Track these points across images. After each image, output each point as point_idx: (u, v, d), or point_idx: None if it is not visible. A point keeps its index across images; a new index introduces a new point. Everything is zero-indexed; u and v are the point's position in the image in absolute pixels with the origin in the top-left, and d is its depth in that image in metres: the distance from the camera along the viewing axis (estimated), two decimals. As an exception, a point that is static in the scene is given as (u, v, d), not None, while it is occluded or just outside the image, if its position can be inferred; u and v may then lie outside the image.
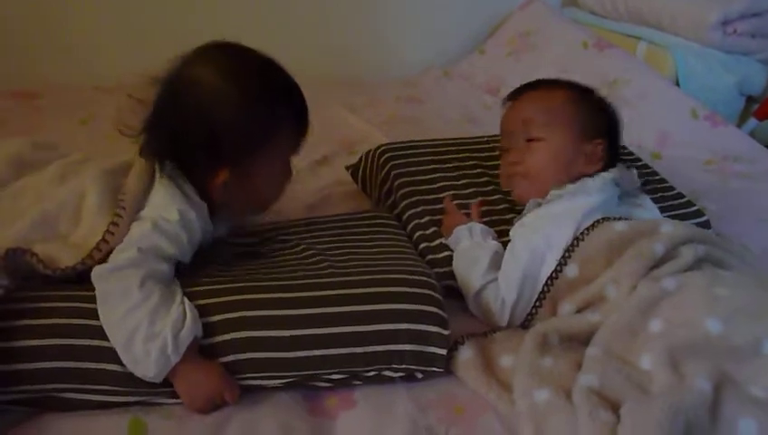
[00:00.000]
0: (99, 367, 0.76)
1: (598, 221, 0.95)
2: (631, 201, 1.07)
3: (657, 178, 1.27)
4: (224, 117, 0.85)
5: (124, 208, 0.84)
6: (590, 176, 1.02)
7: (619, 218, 0.95)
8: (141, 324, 0.75)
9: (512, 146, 1.08)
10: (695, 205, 1.20)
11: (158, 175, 0.87)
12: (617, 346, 0.81)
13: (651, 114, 1.67)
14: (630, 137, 1.51)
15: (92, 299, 0.78)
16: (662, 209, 1.12)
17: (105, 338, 0.76)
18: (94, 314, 0.77)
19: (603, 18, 2.13)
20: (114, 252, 0.81)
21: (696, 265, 0.88)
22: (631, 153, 1.35)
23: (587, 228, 0.94)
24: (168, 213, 0.84)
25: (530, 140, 1.05)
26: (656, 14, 1.93)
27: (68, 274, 0.81)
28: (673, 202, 1.19)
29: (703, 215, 1.18)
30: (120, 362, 0.76)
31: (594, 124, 1.07)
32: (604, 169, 1.04)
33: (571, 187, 1.01)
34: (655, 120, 1.66)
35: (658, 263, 0.87)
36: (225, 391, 0.77)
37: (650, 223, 0.94)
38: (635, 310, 0.83)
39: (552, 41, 2.01)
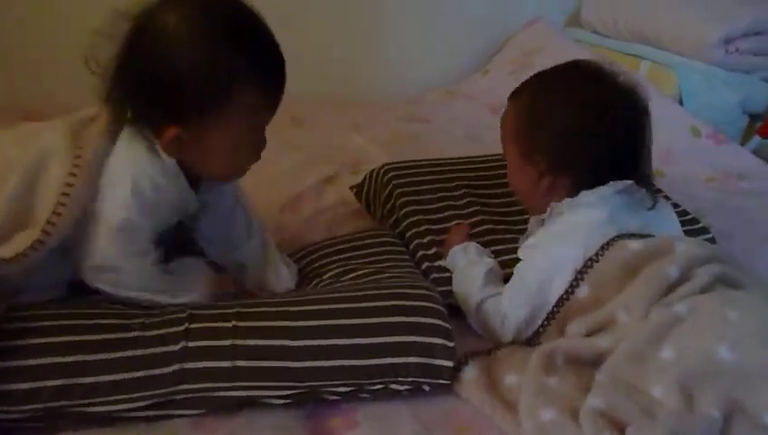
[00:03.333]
0: (102, 380, 0.76)
1: (612, 240, 0.91)
2: (655, 211, 0.97)
3: (661, 194, 1.26)
4: (176, 64, 0.77)
5: (75, 175, 0.80)
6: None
7: (634, 235, 0.92)
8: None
9: None
10: (699, 222, 1.20)
11: (121, 128, 0.83)
12: (627, 373, 0.79)
13: (654, 132, 1.67)
14: (633, 155, 1.53)
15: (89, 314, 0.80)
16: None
17: (106, 352, 0.78)
18: (92, 330, 0.79)
19: (606, 37, 2.14)
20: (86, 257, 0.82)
21: (711, 286, 0.85)
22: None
23: (601, 248, 0.90)
24: (121, 182, 0.81)
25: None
26: (658, 34, 1.94)
27: (28, 262, 0.79)
28: (681, 218, 1.18)
29: (708, 232, 1.18)
30: (123, 372, 0.77)
31: (547, 152, 0.94)
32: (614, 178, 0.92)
33: (568, 201, 0.93)
34: (657, 138, 1.64)
35: (673, 287, 0.85)
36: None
37: (666, 241, 0.90)
38: (646, 337, 0.81)
39: (554, 60, 2.00)
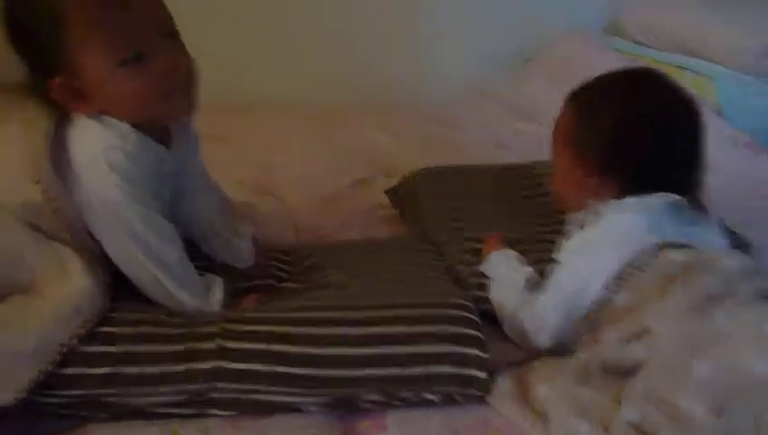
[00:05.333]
0: (146, 371, 0.78)
1: (654, 249, 0.89)
2: (701, 225, 0.98)
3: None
4: (21, 15, 0.80)
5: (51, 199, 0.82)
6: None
7: (679, 245, 0.90)
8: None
9: None
10: (736, 233, 1.17)
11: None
12: (660, 386, 0.78)
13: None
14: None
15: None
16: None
17: (152, 344, 0.80)
18: (139, 324, 0.81)
19: (647, 48, 2.12)
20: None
21: (753, 302, 0.83)
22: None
23: (641, 256, 0.89)
24: (94, 166, 0.82)
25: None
26: (698, 44, 1.92)
27: None
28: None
29: (747, 244, 1.14)
30: (165, 364, 0.79)
31: (600, 148, 0.94)
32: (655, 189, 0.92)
33: (610, 202, 0.93)
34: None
35: (714, 298, 0.83)
36: None
37: (709, 254, 0.89)
38: (681, 349, 0.79)
39: (591, 69, 2.00)
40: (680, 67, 1.95)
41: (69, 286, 0.81)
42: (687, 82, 1.89)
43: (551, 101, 1.92)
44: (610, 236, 0.92)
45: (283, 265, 1.05)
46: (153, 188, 0.86)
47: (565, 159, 0.99)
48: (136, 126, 0.84)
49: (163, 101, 0.84)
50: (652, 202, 0.91)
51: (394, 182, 1.35)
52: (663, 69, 1.91)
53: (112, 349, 0.79)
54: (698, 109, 0.96)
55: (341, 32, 2.04)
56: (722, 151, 1.61)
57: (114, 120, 0.83)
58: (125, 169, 0.82)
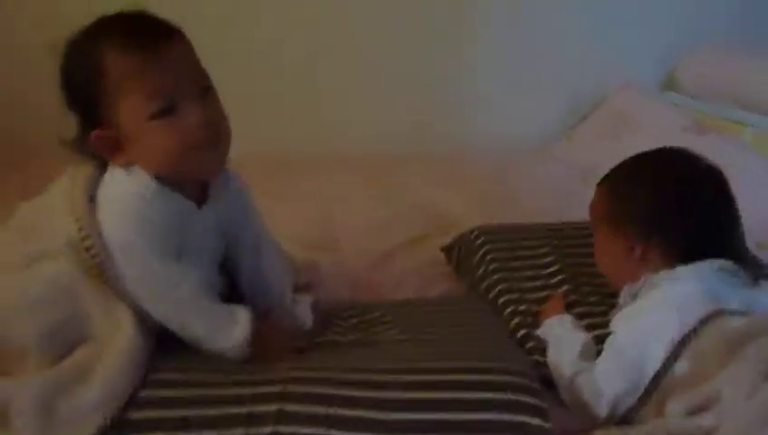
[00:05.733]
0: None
1: (712, 315, 0.89)
2: (756, 290, 0.97)
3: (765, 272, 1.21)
4: (69, 69, 0.87)
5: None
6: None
7: (735, 312, 0.90)
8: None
9: None
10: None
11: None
12: None
13: (758, 202, 1.61)
14: (735, 225, 1.48)
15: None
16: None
17: (211, 408, 0.80)
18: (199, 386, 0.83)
19: (705, 102, 2.10)
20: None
21: None
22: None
23: (700, 322, 0.88)
24: (110, 208, 0.87)
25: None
26: (758, 98, 1.89)
27: None
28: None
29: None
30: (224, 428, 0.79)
31: (635, 222, 0.99)
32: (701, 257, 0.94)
33: (663, 273, 0.95)
34: (763, 208, 1.60)
35: None
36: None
37: None
38: (754, 417, 0.77)
39: (647, 125, 2.01)
40: (740, 123, 1.93)
41: (122, 335, 0.85)
42: (748, 137, 1.86)
43: (606, 157, 1.93)
44: (667, 305, 0.92)
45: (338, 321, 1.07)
46: (178, 241, 0.90)
47: (606, 235, 1.03)
48: (166, 180, 0.88)
49: (191, 155, 0.86)
50: (705, 268, 0.94)
51: (450, 239, 1.35)
52: (721, 123, 1.92)
53: (169, 414, 0.80)
54: (725, 176, 1.01)
55: (403, 89, 2.11)
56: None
57: (139, 170, 0.87)
58: (140, 213, 0.86)
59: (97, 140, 0.87)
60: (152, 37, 0.84)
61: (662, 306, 0.93)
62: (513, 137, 2.21)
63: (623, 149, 1.91)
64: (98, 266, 0.88)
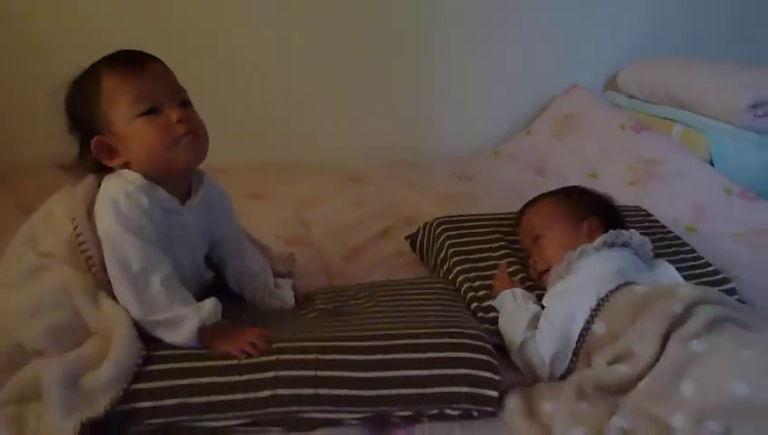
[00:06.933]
0: (213, 400, 0.93)
1: (621, 285, 1.08)
2: (655, 270, 1.22)
3: (687, 248, 1.40)
4: (73, 92, 1.01)
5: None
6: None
7: (640, 284, 1.09)
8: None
9: (530, 248, 1.30)
10: (720, 273, 1.31)
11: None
12: (650, 405, 0.91)
13: (686, 191, 1.79)
14: (667, 211, 1.65)
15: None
16: (690, 277, 1.24)
17: (215, 376, 0.94)
18: (204, 358, 0.96)
19: (641, 102, 2.28)
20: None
21: (715, 324, 0.97)
22: (663, 226, 1.49)
23: (610, 291, 1.08)
24: (102, 206, 0.98)
25: (536, 240, 1.28)
26: (691, 98, 2.06)
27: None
28: (702, 270, 1.32)
29: (729, 282, 1.29)
30: (228, 394, 0.93)
31: (579, 209, 1.29)
32: None
33: (578, 249, 1.18)
34: (690, 196, 1.77)
35: (678, 321, 0.98)
36: (250, 337, 0.97)
37: (669, 286, 1.07)
38: (666, 372, 0.92)
39: (592, 123, 2.18)
40: (671, 120, 2.11)
41: (121, 324, 0.96)
42: (677, 134, 2.04)
43: (558, 153, 2.11)
44: (588, 280, 1.12)
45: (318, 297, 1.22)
46: (162, 232, 1.00)
47: (561, 225, 1.27)
48: (154, 178, 1.01)
49: (170, 150, 0.99)
50: (616, 253, 1.18)
51: (414, 230, 1.50)
52: (654, 121, 2.09)
53: (180, 382, 0.93)
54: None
55: (364, 99, 2.25)
56: (716, 199, 1.76)
57: (127, 171, 1.00)
58: (125, 204, 0.97)
59: (97, 144, 1.00)
60: (138, 58, 1.01)
61: (581, 283, 1.13)
62: (471, 140, 2.37)
63: (570, 144, 2.11)
64: (87, 261, 0.99)
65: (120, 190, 0.98)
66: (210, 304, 0.99)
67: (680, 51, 2.39)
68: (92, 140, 1.00)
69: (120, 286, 0.97)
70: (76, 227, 1.00)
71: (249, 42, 2.09)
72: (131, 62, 1.00)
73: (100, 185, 1.02)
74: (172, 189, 1.04)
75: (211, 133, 1.05)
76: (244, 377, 0.95)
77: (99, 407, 0.90)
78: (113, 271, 0.97)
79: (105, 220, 0.97)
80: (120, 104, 0.98)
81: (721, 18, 2.49)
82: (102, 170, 1.03)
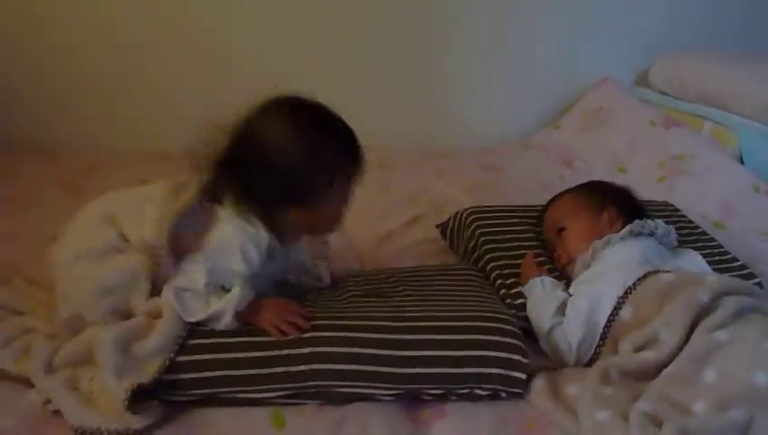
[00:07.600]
0: (251, 373, 0.98)
1: (649, 273, 1.11)
2: (680, 257, 1.25)
3: (714, 243, 1.42)
4: (294, 165, 1.00)
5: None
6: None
7: (666, 271, 1.12)
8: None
9: (554, 242, 1.33)
10: (747, 268, 1.34)
11: (219, 210, 1.04)
12: (673, 392, 0.93)
13: (715, 187, 1.79)
14: (695, 207, 1.66)
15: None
16: (718, 271, 1.25)
17: (254, 351, 1.00)
18: (242, 334, 1.02)
19: (672, 98, 2.27)
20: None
21: (742, 314, 1.00)
22: (691, 221, 1.51)
23: (638, 279, 1.11)
24: (231, 246, 1.03)
25: (559, 233, 1.31)
26: (722, 97, 2.05)
27: None
28: (729, 265, 1.34)
29: (755, 277, 1.31)
30: (266, 368, 0.98)
31: (598, 200, 1.33)
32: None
33: (604, 238, 1.23)
34: (718, 193, 1.77)
35: (704, 310, 1.01)
36: (290, 315, 1.02)
37: (696, 275, 1.10)
38: (689, 360, 0.96)
39: (622, 118, 2.18)
40: (700, 117, 2.11)
41: (166, 309, 1.03)
42: (707, 132, 2.04)
43: (586, 147, 2.11)
44: (615, 268, 1.16)
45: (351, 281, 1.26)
46: (262, 264, 1.07)
47: (583, 216, 1.30)
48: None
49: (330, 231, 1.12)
50: (642, 242, 1.22)
51: (445, 219, 1.54)
52: (685, 118, 2.08)
53: (222, 356, 0.99)
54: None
55: (397, 89, 2.27)
56: (744, 197, 1.76)
57: (256, 222, 1.04)
58: (248, 258, 1.04)
59: (295, 214, 1.05)
60: (362, 157, 1.06)
61: (608, 271, 1.17)
62: (501, 131, 2.38)
63: (599, 138, 2.11)
64: (156, 265, 1.04)
65: (254, 245, 1.04)
66: (237, 291, 1.03)
67: (701, 44, 2.37)
68: (290, 210, 1.04)
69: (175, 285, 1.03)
70: (158, 236, 1.03)
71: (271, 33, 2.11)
72: (360, 162, 1.05)
73: (200, 201, 1.06)
74: (280, 236, 1.10)
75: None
76: (283, 352, 1.00)
77: (147, 373, 0.95)
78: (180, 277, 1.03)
79: (233, 264, 1.03)
80: (338, 197, 1.06)
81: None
82: (216, 191, 1.05)
